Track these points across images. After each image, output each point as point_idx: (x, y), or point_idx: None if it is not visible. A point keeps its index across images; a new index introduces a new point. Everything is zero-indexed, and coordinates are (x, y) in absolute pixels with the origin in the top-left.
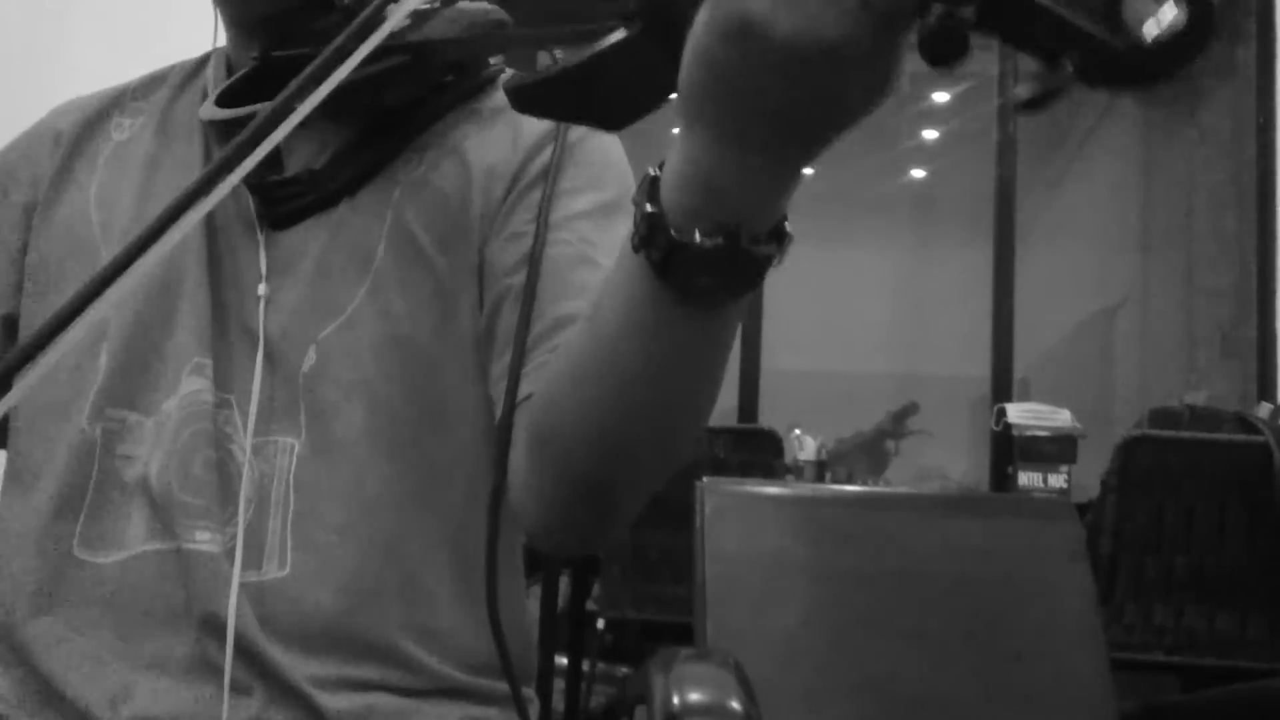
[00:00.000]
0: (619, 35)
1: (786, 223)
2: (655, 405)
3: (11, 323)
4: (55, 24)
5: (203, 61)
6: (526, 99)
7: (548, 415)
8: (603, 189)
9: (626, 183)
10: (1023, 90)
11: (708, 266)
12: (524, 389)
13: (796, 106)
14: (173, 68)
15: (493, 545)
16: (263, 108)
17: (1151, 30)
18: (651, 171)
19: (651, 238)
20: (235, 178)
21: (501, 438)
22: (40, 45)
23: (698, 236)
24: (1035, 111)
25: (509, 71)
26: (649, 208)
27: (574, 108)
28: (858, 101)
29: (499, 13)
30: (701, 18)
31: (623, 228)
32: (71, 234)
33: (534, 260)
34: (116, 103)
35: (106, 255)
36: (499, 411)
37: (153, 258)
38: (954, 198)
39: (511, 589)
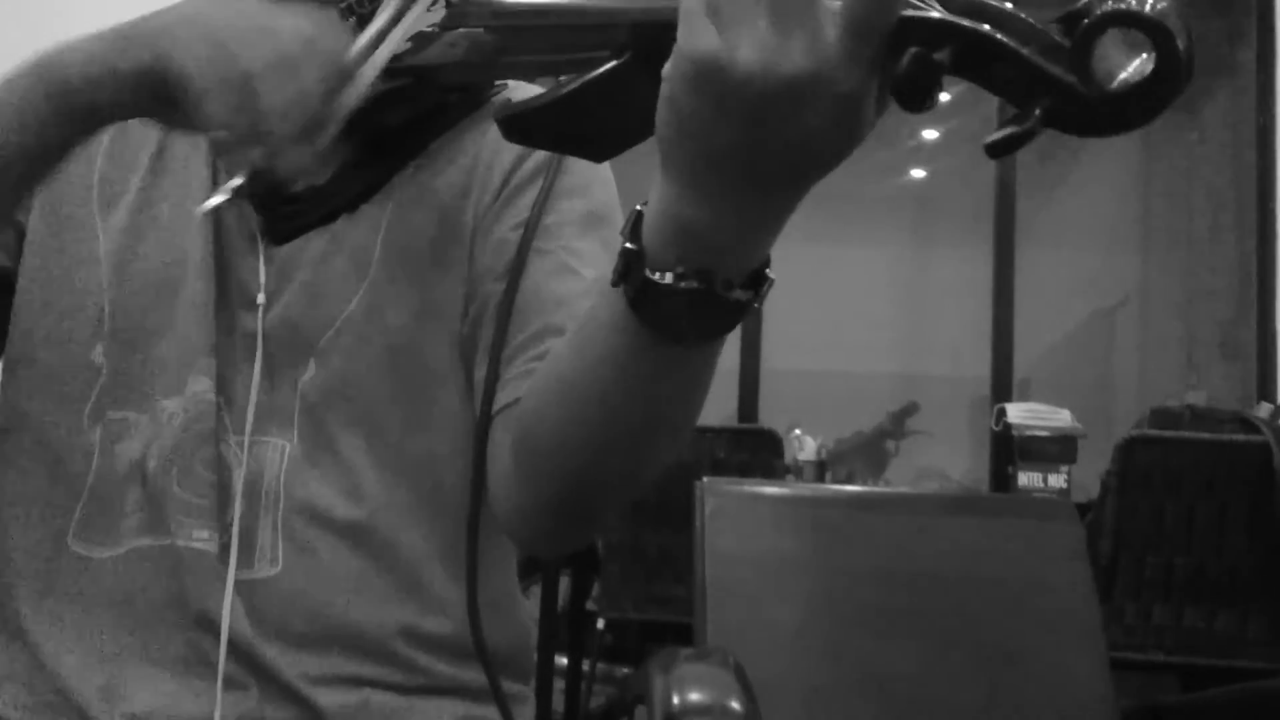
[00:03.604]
0: (609, 65)
1: (768, 268)
2: (631, 427)
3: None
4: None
5: None
6: (516, 128)
7: (528, 427)
8: (588, 197)
9: (610, 193)
10: (994, 135)
11: (680, 307)
12: (503, 398)
13: (761, 148)
14: None
15: (472, 555)
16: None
17: (1121, 80)
18: (638, 207)
19: (628, 274)
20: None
21: (477, 450)
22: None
23: (670, 278)
24: (1004, 154)
25: (511, 85)
26: (628, 244)
27: (562, 137)
28: (826, 144)
29: (498, 39)
30: (669, 61)
31: (604, 237)
32: (73, 189)
33: (515, 272)
34: None
35: (102, 230)
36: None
37: None
38: (954, 198)
39: (507, 588)
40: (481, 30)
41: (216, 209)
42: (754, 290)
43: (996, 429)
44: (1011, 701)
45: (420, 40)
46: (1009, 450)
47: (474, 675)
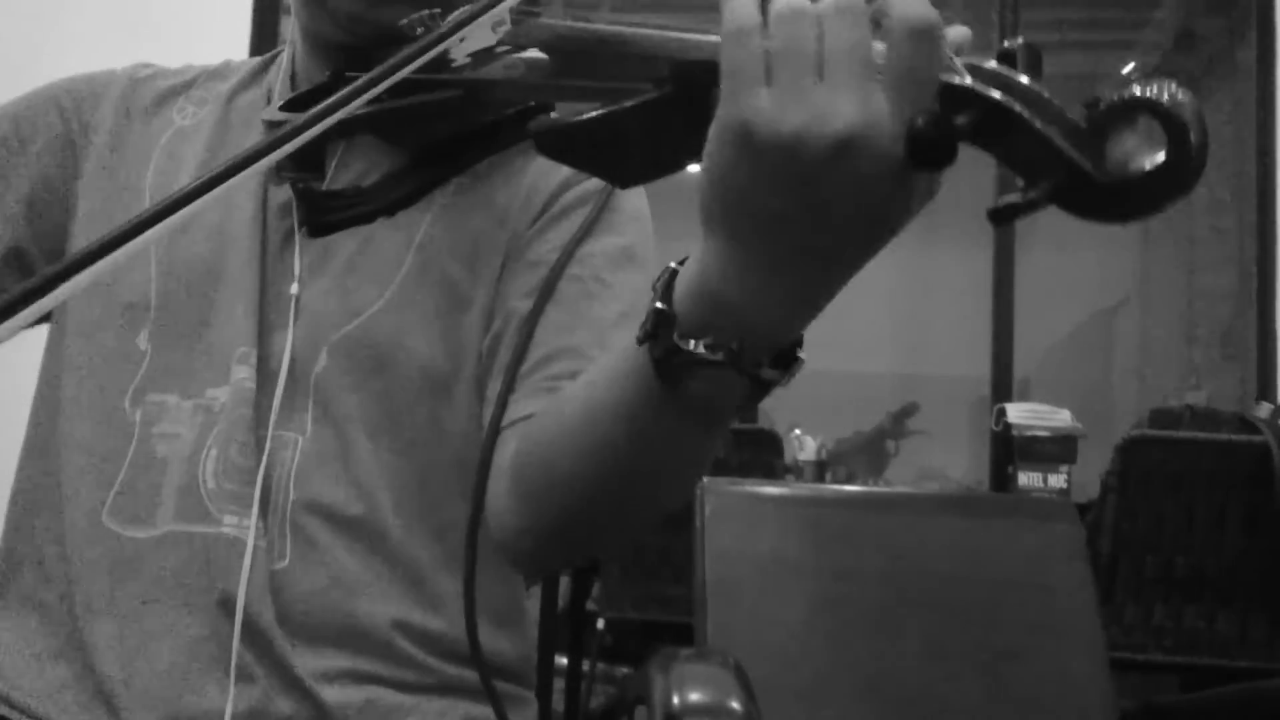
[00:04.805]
0: (647, 97)
1: (800, 349)
2: (633, 479)
3: (19, 254)
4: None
5: (269, 61)
6: (548, 143)
7: (531, 457)
8: (623, 234)
9: (647, 234)
10: (999, 201)
11: (704, 377)
12: (515, 411)
13: (806, 215)
14: (241, 63)
15: (471, 561)
16: (322, 108)
17: (1132, 167)
18: (672, 265)
19: (655, 334)
20: (274, 158)
21: (482, 467)
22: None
23: (697, 345)
24: (1004, 223)
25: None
26: (659, 304)
27: (591, 158)
28: (874, 212)
29: (554, 62)
30: (713, 122)
31: (634, 276)
32: (125, 203)
33: (545, 291)
34: (187, 86)
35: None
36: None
37: (182, 214)
38: (954, 198)
39: (512, 597)
40: (539, 54)
41: (264, 201)
42: (783, 370)
43: (996, 429)
44: (1011, 701)
45: (480, 58)
46: (1009, 450)
47: (476, 676)
